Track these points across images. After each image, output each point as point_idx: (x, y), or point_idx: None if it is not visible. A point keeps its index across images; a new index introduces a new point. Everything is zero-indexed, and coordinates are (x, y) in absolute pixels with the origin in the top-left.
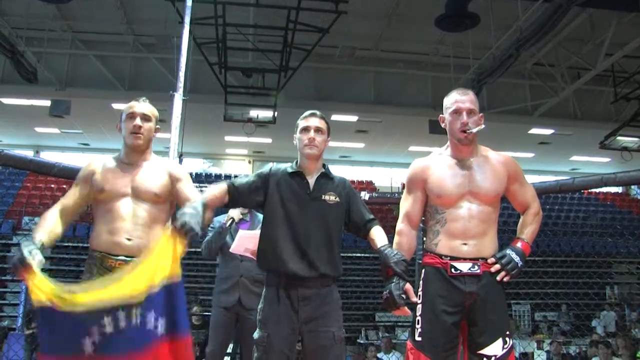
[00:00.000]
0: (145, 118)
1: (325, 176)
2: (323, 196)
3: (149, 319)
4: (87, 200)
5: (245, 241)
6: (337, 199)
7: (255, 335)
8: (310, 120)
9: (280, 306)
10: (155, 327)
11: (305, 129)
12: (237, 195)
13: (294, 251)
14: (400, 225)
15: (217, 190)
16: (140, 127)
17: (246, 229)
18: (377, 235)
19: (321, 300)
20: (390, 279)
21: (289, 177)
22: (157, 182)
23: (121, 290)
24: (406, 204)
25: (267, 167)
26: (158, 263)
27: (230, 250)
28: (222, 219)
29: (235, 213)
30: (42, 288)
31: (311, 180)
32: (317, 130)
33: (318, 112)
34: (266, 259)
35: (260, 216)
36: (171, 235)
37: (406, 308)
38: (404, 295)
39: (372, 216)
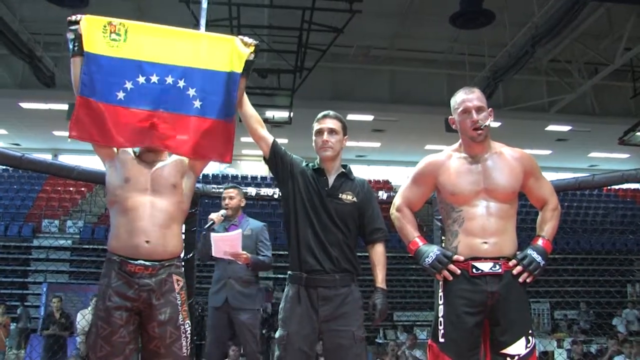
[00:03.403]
0: None
1: (345, 176)
2: (340, 194)
3: (186, 92)
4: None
5: (222, 244)
6: (354, 198)
7: (277, 333)
8: (323, 122)
9: (301, 306)
10: (192, 103)
11: (319, 132)
12: (278, 147)
13: (315, 244)
14: (402, 207)
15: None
16: None
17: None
18: (378, 263)
19: (341, 301)
20: (429, 245)
21: (312, 173)
22: (174, 173)
23: (166, 58)
24: (410, 193)
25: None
26: (209, 50)
27: (213, 254)
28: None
29: (214, 215)
30: (93, 39)
31: (330, 179)
32: (331, 131)
33: (331, 113)
34: (290, 252)
35: (250, 220)
36: (238, 39)
37: (448, 273)
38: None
39: (381, 226)
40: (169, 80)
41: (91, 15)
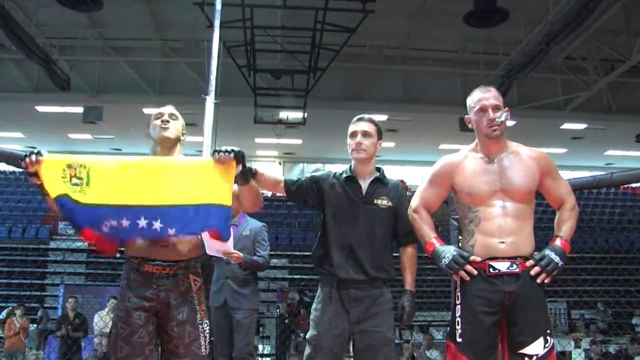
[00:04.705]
0: (172, 117)
1: (379, 180)
2: (375, 200)
3: (165, 233)
4: None
5: (213, 242)
6: (389, 203)
7: (308, 333)
8: (358, 124)
9: (332, 307)
10: (167, 233)
11: (353, 134)
12: (289, 185)
13: (346, 254)
14: (419, 208)
15: (271, 173)
16: (168, 121)
17: (234, 233)
18: (409, 266)
19: (372, 302)
20: (445, 246)
21: (343, 182)
22: None
23: (135, 198)
24: (426, 194)
25: (321, 172)
26: (187, 183)
27: (207, 252)
28: None
29: None
30: (55, 185)
31: (364, 184)
32: (365, 134)
33: (367, 116)
34: (320, 261)
35: (250, 220)
36: (215, 162)
37: (465, 274)
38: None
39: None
40: (142, 223)
41: (49, 155)
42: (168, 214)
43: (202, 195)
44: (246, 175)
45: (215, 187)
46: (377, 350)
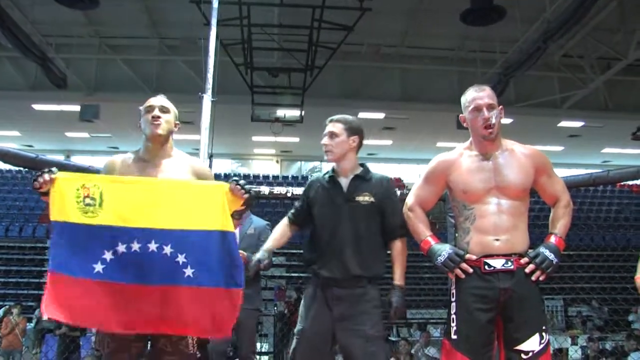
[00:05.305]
0: (163, 110)
1: (361, 177)
2: (357, 197)
3: (175, 259)
4: None
5: None
6: (372, 199)
7: (296, 328)
8: (327, 127)
9: (317, 303)
10: (183, 272)
11: (323, 136)
12: (295, 219)
13: (330, 254)
14: (414, 206)
15: (280, 227)
16: (158, 117)
17: (238, 232)
18: (397, 260)
19: (355, 300)
20: (441, 244)
21: (326, 183)
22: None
23: (147, 220)
24: (422, 192)
25: (310, 179)
26: (199, 207)
27: None
28: None
29: None
30: (64, 206)
31: (345, 182)
32: (331, 135)
33: (335, 117)
34: (307, 261)
35: (254, 218)
36: (227, 191)
37: (460, 272)
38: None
39: (401, 223)
40: (153, 247)
41: (64, 173)
42: (179, 238)
43: (212, 221)
44: (240, 214)
45: (223, 213)
46: (359, 348)
